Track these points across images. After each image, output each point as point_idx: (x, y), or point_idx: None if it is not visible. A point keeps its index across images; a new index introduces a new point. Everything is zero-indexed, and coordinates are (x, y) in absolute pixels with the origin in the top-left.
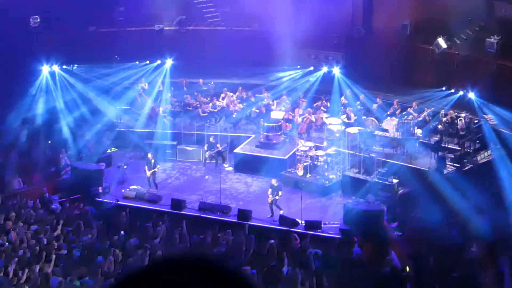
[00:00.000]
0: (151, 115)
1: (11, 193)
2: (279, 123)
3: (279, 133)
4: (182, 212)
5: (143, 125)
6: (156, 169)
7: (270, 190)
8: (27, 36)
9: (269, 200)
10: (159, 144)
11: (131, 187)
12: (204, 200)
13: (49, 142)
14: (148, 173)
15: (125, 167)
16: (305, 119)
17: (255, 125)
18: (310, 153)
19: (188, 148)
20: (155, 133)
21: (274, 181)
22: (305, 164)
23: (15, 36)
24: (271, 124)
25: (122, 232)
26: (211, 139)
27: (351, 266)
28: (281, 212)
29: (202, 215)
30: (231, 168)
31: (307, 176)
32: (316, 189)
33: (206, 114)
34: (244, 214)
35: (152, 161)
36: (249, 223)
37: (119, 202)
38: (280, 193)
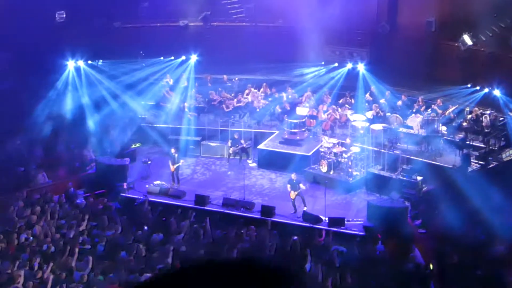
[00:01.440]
0: (176, 111)
1: (36, 187)
2: (303, 120)
3: (303, 129)
4: (206, 207)
5: (167, 120)
6: (180, 164)
7: (289, 185)
8: (53, 31)
9: (292, 196)
10: (183, 139)
11: (155, 182)
12: (227, 196)
13: (73, 137)
14: (172, 167)
15: (149, 162)
16: (329, 115)
17: (279, 122)
18: (334, 150)
19: (212, 144)
20: (179, 128)
21: (293, 176)
22: (329, 160)
23: (41, 31)
24: (295, 121)
25: (145, 227)
26: (235, 135)
27: (374, 263)
28: (305, 208)
29: (225, 211)
30: (254, 164)
31: (331, 173)
32: (340, 186)
33: (230, 110)
34: (267, 210)
35: (176, 155)
36: (272, 219)
37: (148, 198)
38: (301, 185)
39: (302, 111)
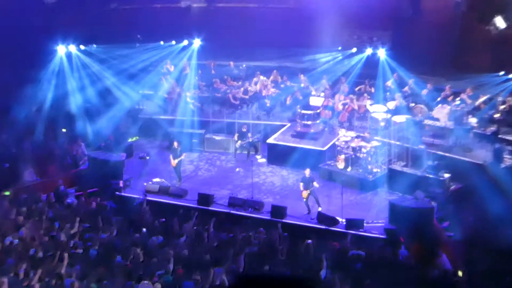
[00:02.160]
0: (177, 101)
1: (22, 185)
2: (318, 111)
3: (318, 121)
4: (210, 208)
5: (167, 111)
6: (182, 158)
7: (301, 183)
8: (42, 13)
9: (305, 195)
10: (185, 132)
11: (154, 180)
12: (234, 195)
13: (64, 130)
14: (173, 162)
15: (147, 158)
16: (346, 106)
17: (291, 113)
18: (352, 144)
19: (216, 138)
20: (180, 120)
21: (307, 173)
22: (346, 156)
23: (29, 13)
24: (309, 112)
25: (144, 229)
26: (242, 128)
27: (396, 269)
28: (319, 209)
29: (231, 212)
30: (264, 160)
31: (348, 170)
32: (359, 184)
33: (237, 100)
34: (278, 211)
35: (178, 149)
36: (283, 220)
37: (147, 198)
38: (315, 184)
39: (316, 101)
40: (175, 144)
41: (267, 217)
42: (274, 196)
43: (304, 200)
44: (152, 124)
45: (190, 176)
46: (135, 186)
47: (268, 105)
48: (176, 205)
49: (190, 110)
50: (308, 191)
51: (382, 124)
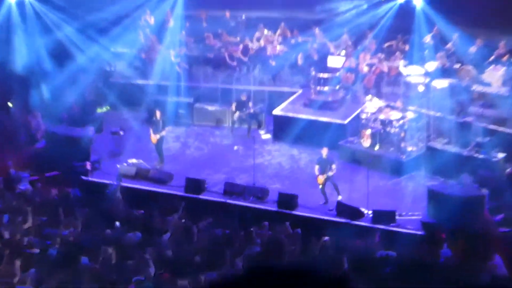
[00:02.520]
0: (158, 62)
1: None
2: (337, 74)
3: (337, 87)
4: (201, 196)
5: (146, 75)
6: (164, 133)
7: (317, 166)
8: None
9: (321, 181)
10: (169, 101)
11: (130, 161)
12: (231, 180)
13: (16, 99)
14: (154, 138)
15: (121, 133)
16: (373, 68)
17: (303, 77)
18: (381, 116)
19: (209, 108)
20: (163, 86)
21: (324, 152)
22: (373, 131)
23: None
24: (326, 75)
25: (117, 223)
26: (242, 96)
27: (436, 274)
28: (339, 198)
29: (228, 201)
30: (269, 136)
31: (376, 148)
32: (389, 166)
33: (235, 60)
34: (286, 200)
35: (160, 122)
36: (293, 212)
37: (122, 184)
38: (334, 167)
39: (335, 61)
40: (157, 115)
41: (273, 208)
42: (282, 182)
43: (320, 186)
44: (127, 90)
45: (176, 156)
46: (106, 168)
47: (273, 65)
48: (158, 193)
49: (175, 73)
50: (325, 176)
51: (420, 90)
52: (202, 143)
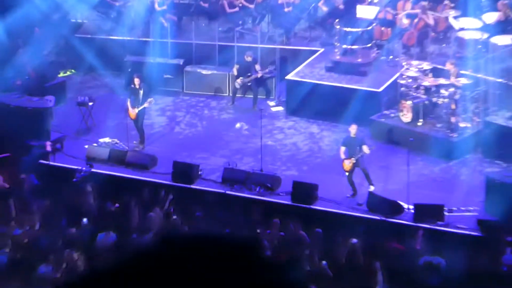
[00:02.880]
0: (138, 11)
1: None
2: (369, 28)
3: (369, 45)
4: (194, 186)
5: (122, 28)
6: (146, 105)
7: (343, 148)
8: None
9: (348, 167)
10: (152, 63)
11: (102, 140)
12: (232, 166)
13: None
14: (133, 112)
15: (90, 104)
16: (416, 20)
17: (325, 31)
18: (425, 82)
19: (203, 72)
20: (143, 43)
21: (352, 129)
22: (415, 102)
23: None
24: (355, 30)
25: (85, 220)
26: (246, 56)
27: (498, 284)
28: (371, 188)
29: (227, 192)
30: (281, 109)
31: (419, 124)
32: (436, 148)
33: (237, 9)
34: (303, 191)
35: (141, 92)
36: (313, 207)
37: (91, 169)
38: (365, 148)
39: (367, 12)
40: (136, 82)
41: (286, 201)
42: (298, 168)
43: (347, 174)
44: (98, 48)
45: (161, 135)
46: (70, 150)
47: (287, 15)
48: (138, 181)
49: (160, 27)
50: (354, 160)
51: (477, 48)
52: (194, 117)
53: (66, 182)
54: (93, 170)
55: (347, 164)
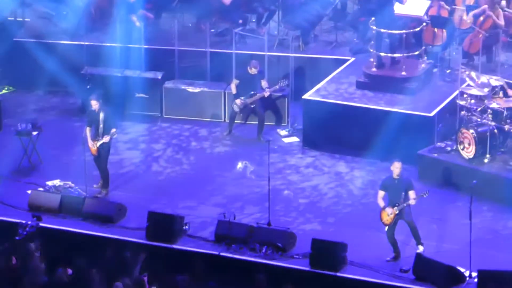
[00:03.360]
0: (99, 5)
1: None
2: (417, 29)
3: (417, 52)
4: (175, 245)
5: (81, 30)
6: (106, 139)
7: (381, 192)
8: None
9: (387, 219)
10: (120, 77)
11: (50, 183)
12: (228, 218)
13: None
14: (92, 145)
15: (34, 133)
16: (480, 19)
17: (356, 34)
18: (493, 104)
19: (190, 90)
20: (109, 50)
21: (395, 169)
22: (480, 130)
23: None
24: (396, 32)
25: None
26: (250, 68)
27: None
28: (420, 249)
29: (222, 254)
30: (295, 140)
31: (485, 161)
32: (509, 194)
33: (236, 4)
34: (327, 253)
35: (101, 115)
36: (339, 274)
37: (40, 223)
38: (412, 195)
39: (412, 7)
40: (93, 104)
41: (303, 266)
42: (320, 220)
43: (387, 228)
44: (45, 57)
45: (132, 176)
46: (7, 196)
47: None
48: (99, 238)
49: (130, 27)
50: (396, 210)
51: None
52: (178, 151)
53: (2, 241)
54: (41, 224)
55: (388, 215)
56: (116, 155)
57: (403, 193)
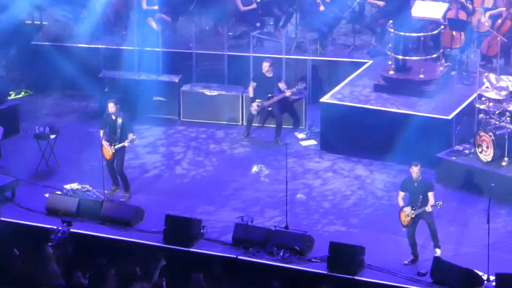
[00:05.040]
0: (116, 11)
1: None
2: (435, 32)
3: (435, 55)
4: (193, 249)
5: (98, 34)
6: (127, 144)
7: (402, 193)
8: None
9: (405, 220)
10: (137, 80)
11: (68, 186)
12: (246, 221)
13: None
14: (107, 150)
15: (52, 136)
16: (500, 21)
17: (374, 37)
18: (511, 107)
19: (207, 93)
20: (127, 53)
21: (415, 171)
22: (498, 133)
23: None
24: (415, 35)
25: None
26: (266, 70)
27: None
28: (438, 252)
29: (240, 258)
30: (313, 143)
31: (503, 164)
32: None
33: (254, 5)
34: (345, 257)
35: (119, 121)
36: (358, 277)
37: (69, 229)
38: (430, 196)
39: (429, 9)
40: (110, 108)
41: (321, 269)
42: (339, 223)
43: (405, 228)
44: (62, 60)
45: (150, 180)
46: (24, 200)
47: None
48: (117, 242)
49: (148, 31)
50: (413, 213)
51: None
52: (195, 155)
53: (19, 246)
54: (69, 229)
55: (405, 217)
56: (136, 159)
57: (420, 197)
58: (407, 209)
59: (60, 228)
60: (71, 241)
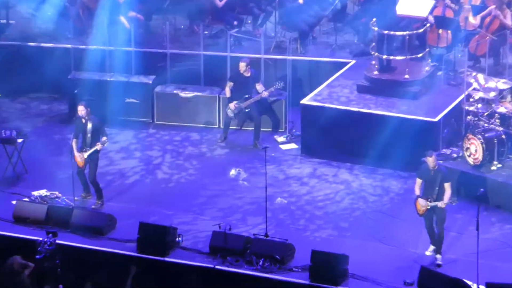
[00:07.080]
0: (86, 7)
1: None
2: (420, 30)
3: (421, 54)
4: (167, 258)
5: (67, 32)
6: (99, 147)
7: (419, 181)
8: None
9: (419, 209)
10: (109, 81)
11: (36, 193)
12: (224, 229)
13: None
14: (79, 156)
15: (19, 140)
16: (488, 20)
17: (357, 36)
18: (501, 109)
19: (182, 95)
20: (98, 53)
21: (431, 161)
22: (487, 136)
23: None
24: (399, 33)
25: None
26: (244, 70)
27: None
28: (439, 258)
29: (217, 267)
30: (293, 146)
31: (493, 168)
32: None
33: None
34: (327, 265)
35: (89, 125)
36: (340, 287)
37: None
38: (447, 189)
39: (416, 7)
40: (80, 111)
41: (303, 279)
42: (335, 225)
43: (420, 216)
44: (29, 60)
45: (122, 186)
46: None
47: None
48: (88, 251)
49: (121, 29)
50: (428, 205)
51: None
52: (170, 159)
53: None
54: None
55: (421, 206)
56: (112, 166)
57: (437, 188)
58: (422, 201)
59: (46, 239)
60: (59, 252)
